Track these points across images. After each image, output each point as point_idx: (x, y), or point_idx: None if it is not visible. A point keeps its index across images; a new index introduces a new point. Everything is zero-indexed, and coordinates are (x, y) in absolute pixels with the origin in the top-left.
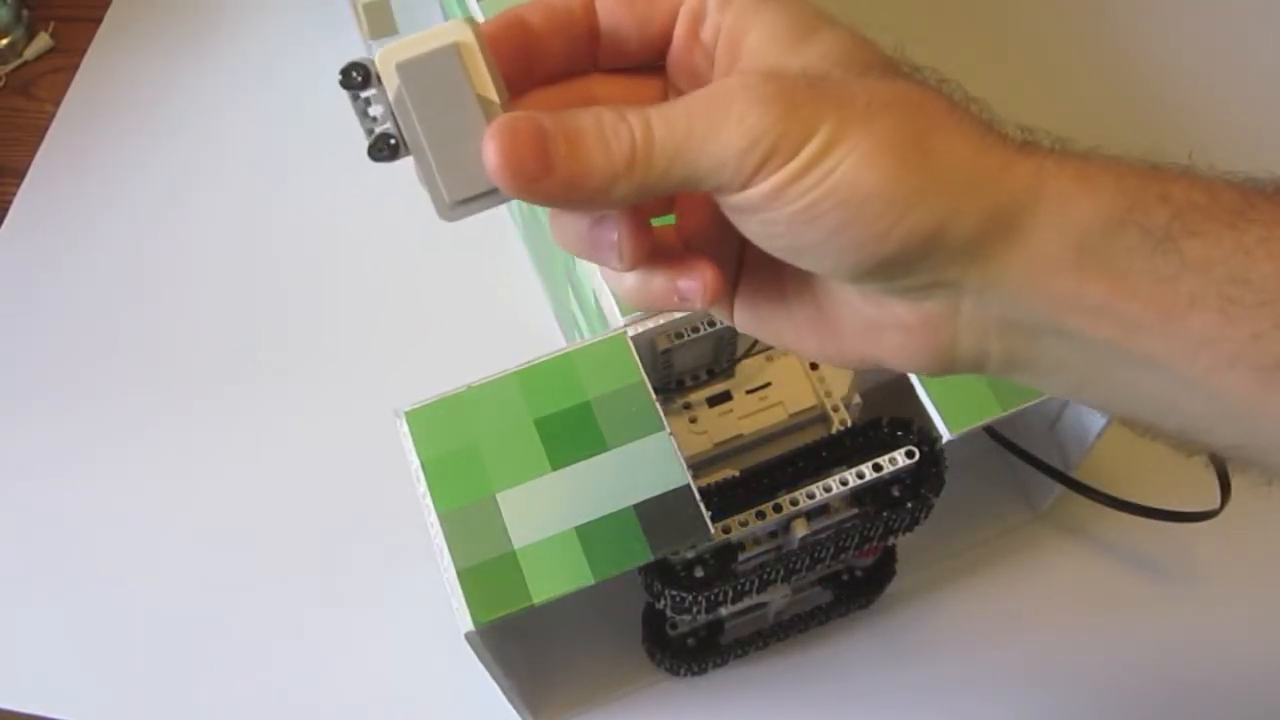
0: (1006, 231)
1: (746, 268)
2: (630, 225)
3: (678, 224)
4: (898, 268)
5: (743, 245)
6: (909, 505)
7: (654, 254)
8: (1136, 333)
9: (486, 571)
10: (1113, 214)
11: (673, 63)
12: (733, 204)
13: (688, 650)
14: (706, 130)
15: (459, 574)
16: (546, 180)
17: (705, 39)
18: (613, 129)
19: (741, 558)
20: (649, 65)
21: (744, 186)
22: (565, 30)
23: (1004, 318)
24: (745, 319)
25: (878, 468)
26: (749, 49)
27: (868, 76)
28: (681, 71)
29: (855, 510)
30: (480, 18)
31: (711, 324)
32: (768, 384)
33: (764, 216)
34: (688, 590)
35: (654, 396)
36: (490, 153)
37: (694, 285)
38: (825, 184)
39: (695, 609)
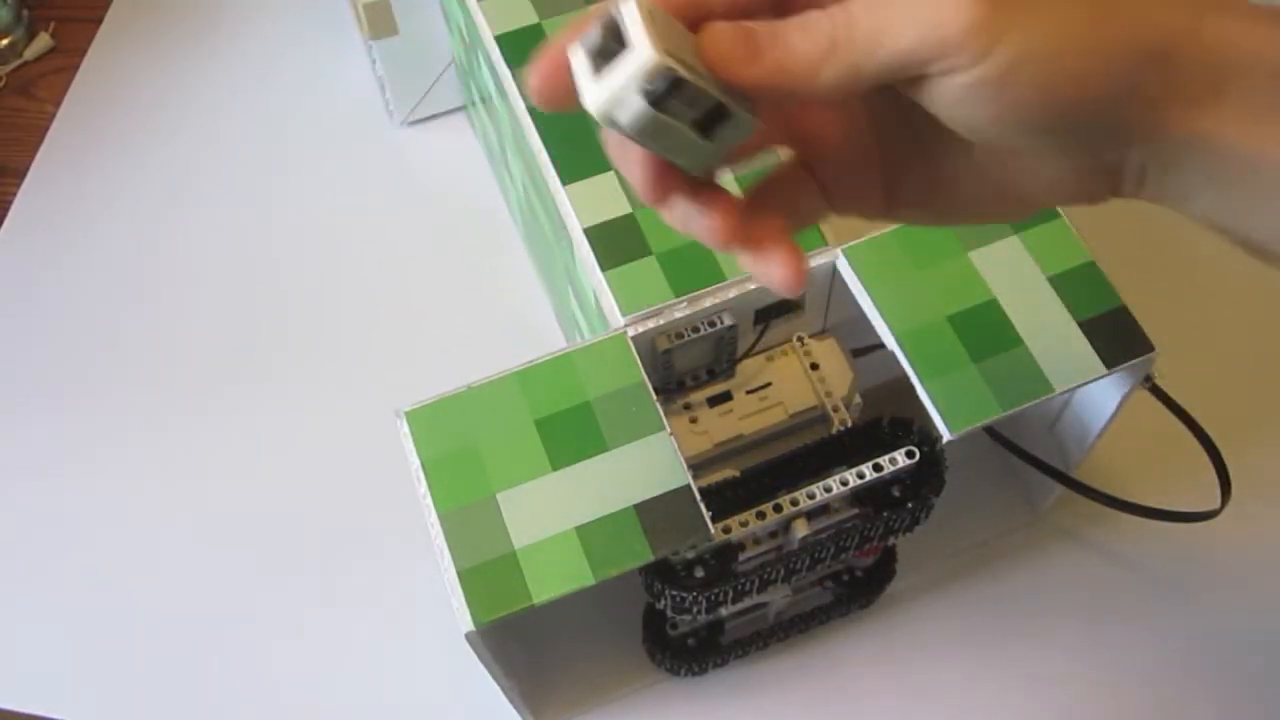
0: (1209, 84)
1: (895, 166)
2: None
3: (803, 150)
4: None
5: (881, 150)
6: (909, 505)
7: (748, 234)
8: None
9: (486, 571)
10: None
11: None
12: (947, 93)
13: (688, 650)
14: (910, 13)
15: (459, 574)
16: (754, 65)
17: None
18: (811, 19)
19: (742, 558)
20: None
21: (956, 57)
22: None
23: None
24: (909, 215)
25: (878, 468)
26: None
27: None
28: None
29: (855, 510)
30: (480, 19)
31: (712, 324)
32: (768, 384)
33: (980, 106)
34: (688, 590)
35: (654, 396)
36: (706, 44)
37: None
38: (1025, 61)
39: (695, 609)
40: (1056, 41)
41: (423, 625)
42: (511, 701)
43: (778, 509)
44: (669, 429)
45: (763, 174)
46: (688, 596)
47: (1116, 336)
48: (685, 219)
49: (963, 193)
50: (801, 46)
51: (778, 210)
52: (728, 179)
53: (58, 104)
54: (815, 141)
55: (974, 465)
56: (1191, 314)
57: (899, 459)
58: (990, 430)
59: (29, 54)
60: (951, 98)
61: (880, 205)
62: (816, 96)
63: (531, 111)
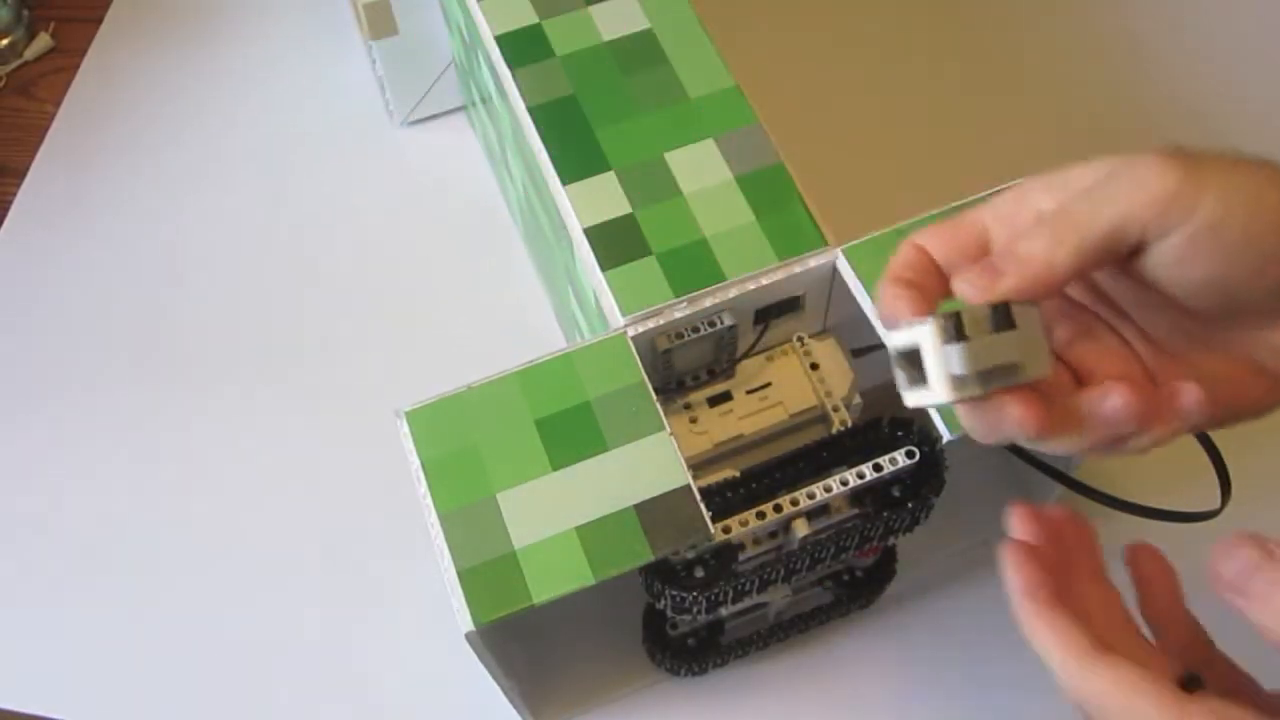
0: None
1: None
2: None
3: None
4: None
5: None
6: (909, 505)
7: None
8: None
9: (486, 571)
10: None
11: None
12: (1154, 256)
13: (688, 650)
14: (1117, 192)
15: (459, 574)
16: (1002, 280)
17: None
18: (1033, 229)
19: (741, 558)
20: None
21: (1163, 224)
22: (929, 275)
23: None
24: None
25: (878, 468)
26: (1035, 201)
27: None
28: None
29: (855, 510)
30: (480, 18)
31: (712, 324)
32: (768, 384)
33: (1181, 263)
34: (688, 590)
35: (654, 396)
36: (957, 285)
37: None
38: (1224, 220)
39: (695, 609)
40: (1254, 189)
41: (423, 625)
42: (511, 701)
43: (778, 509)
44: (669, 429)
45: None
46: (688, 596)
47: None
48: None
49: (1229, 392)
50: (1029, 249)
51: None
52: None
53: (58, 104)
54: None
55: (974, 465)
56: None
57: (899, 459)
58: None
59: (29, 54)
60: (1172, 256)
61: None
62: (1060, 282)
63: (531, 111)
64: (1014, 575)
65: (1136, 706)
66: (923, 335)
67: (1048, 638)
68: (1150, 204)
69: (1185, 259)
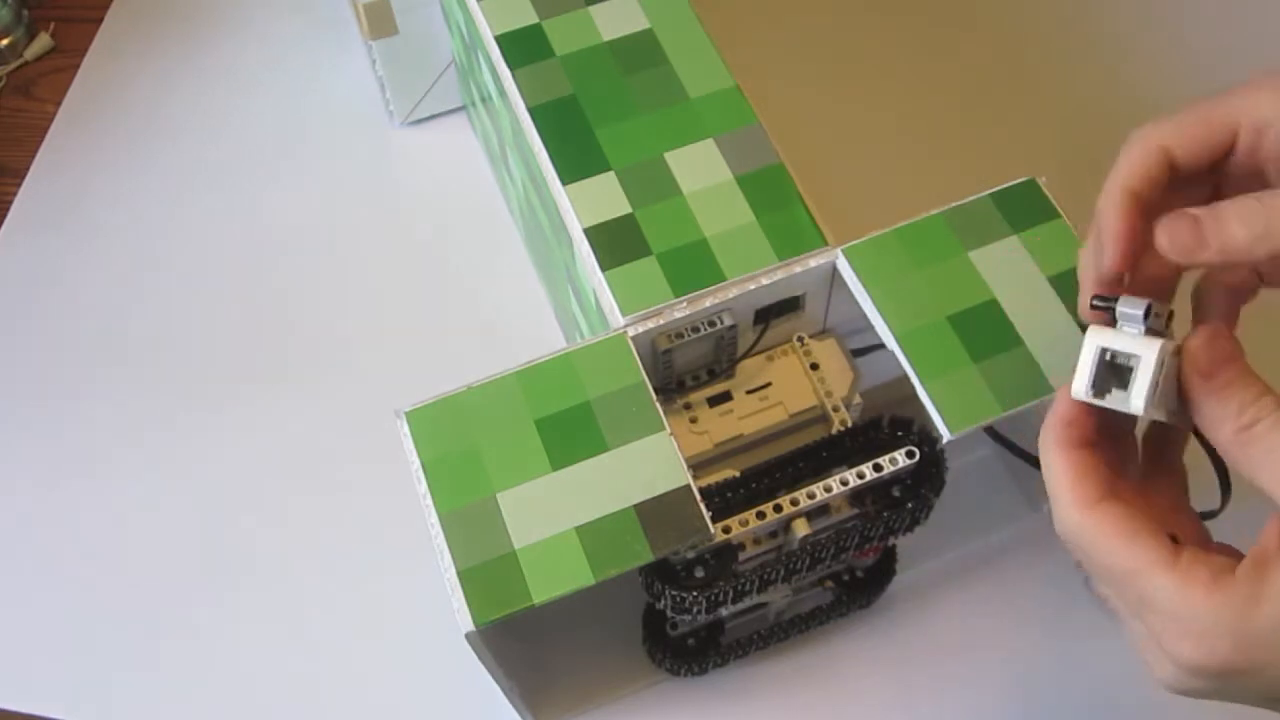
0: None
1: None
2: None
3: None
4: None
5: None
6: (909, 505)
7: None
8: None
9: (486, 571)
10: None
11: (1237, 165)
12: None
13: (688, 650)
14: None
15: (459, 574)
16: (1204, 251)
17: (1268, 144)
18: (1252, 211)
19: (742, 558)
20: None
21: None
22: (1160, 184)
23: None
24: None
25: (878, 468)
26: None
27: None
28: (1246, 169)
29: (856, 510)
30: (480, 19)
31: (712, 324)
32: (768, 384)
33: None
34: (688, 590)
35: (654, 396)
36: (1161, 237)
37: None
38: None
39: (695, 609)
40: None
41: (423, 625)
42: (511, 701)
43: (778, 509)
44: (669, 429)
45: None
46: (688, 596)
47: None
48: None
49: None
50: (1241, 233)
51: None
52: None
53: (58, 104)
54: None
55: (974, 465)
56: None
57: (899, 459)
58: (990, 430)
59: (29, 54)
60: None
61: None
62: (1250, 266)
63: (531, 111)
64: (1060, 405)
65: (1128, 547)
66: (1149, 352)
67: (1063, 472)
68: None
69: None
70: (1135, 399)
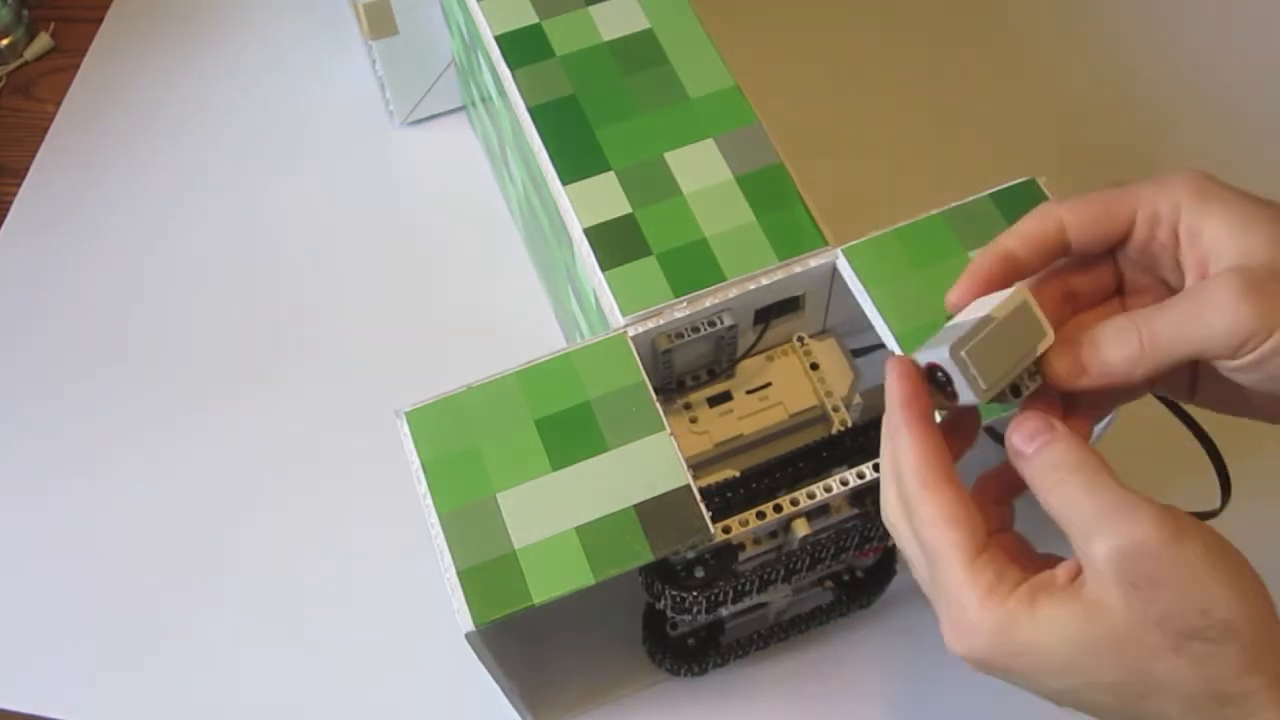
0: None
1: (1202, 385)
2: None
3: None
4: None
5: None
6: None
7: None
8: None
9: (486, 571)
10: None
11: (1133, 251)
12: (1225, 367)
13: (688, 650)
14: (1198, 323)
15: (459, 574)
16: (1085, 378)
17: (1161, 236)
18: (1125, 332)
19: (742, 558)
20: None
21: (1231, 357)
22: (1045, 255)
23: None
24: (1211, 405)
25: (878, 468)
26: (1210, 239)
27: None
28: (1140, 258)
29: (856, 510)
30: (480, 19)
31: (712, 324)
32: (768, 384)
33: (1250, 374)
34: (688, 590)
35: (654, 396)
36: (1045, 371)
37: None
38: None
39: (695, 609)
40: None
41: (423, 625)
42: (511, 701)
43: (778, 509)
44: (669, 429)
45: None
46: (688, 596)
47: None
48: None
49: (1251, 407)
50: (1117, 357)
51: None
52: None
53: (58, 104)
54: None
55: (973, 465)
56: None
57: None
58: (990, 430)
59: (29, 54)
60: (1234, 368)
61: (1185, 398)
62: (1127, 389)
63: (531, 111)
64: (898, 383)
65: (942, 535)
66: (944, 361)
67: (911, 449)
68: (1226, 338)
69: (1256, 377)
70: (967, 396)
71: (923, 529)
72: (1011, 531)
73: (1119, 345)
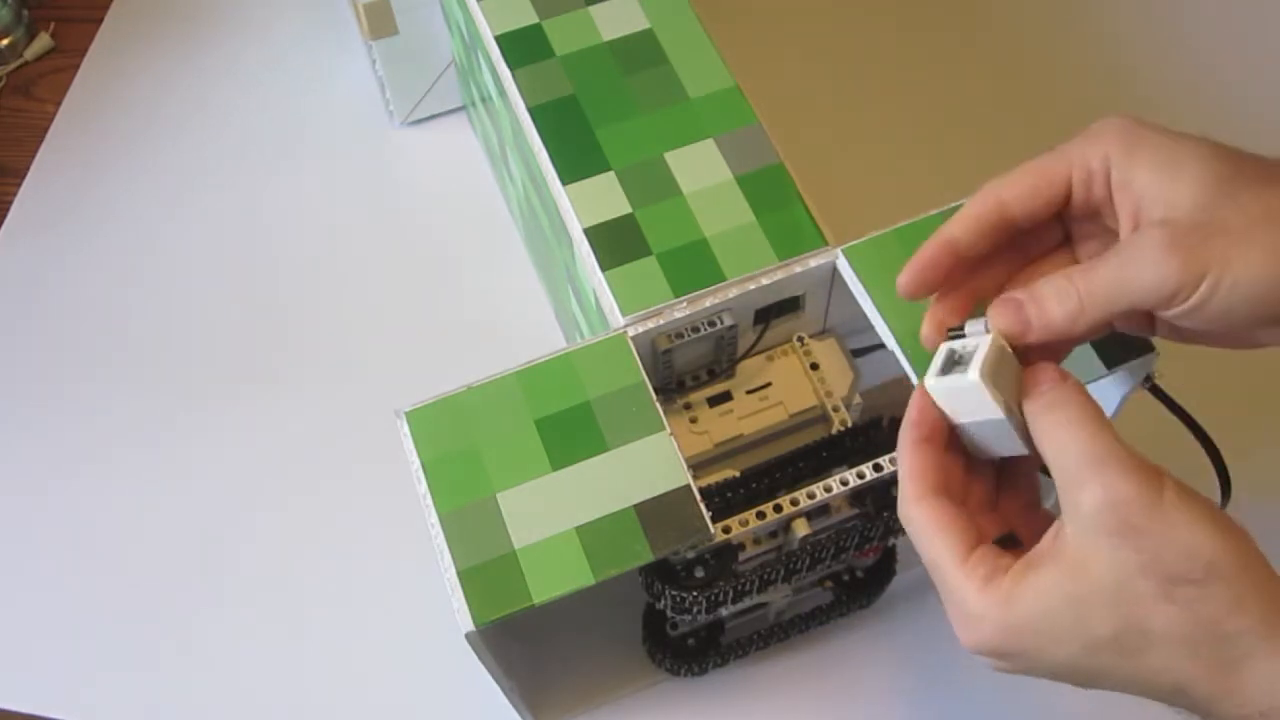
0: None
1: (1159, 322)
2: None
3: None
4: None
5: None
6: None
7: None
8: None
9: (486, 571)
10: None
11: (1075, 209)
12: (1164, 315)
13: (688, 650)
14: (1129, 279)
15: (459, 574)
16: (1031, 334)
17: (1096, 191)
18: (1064, 291)
19: (742, 558)
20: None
21: (1166, 308)
22: (990, 235)
23: None
24: (1173, 338)
25: (878, 468)
26: (1139, 187)
27: (1240, 194)
28: (1082, 212)
29: (856, 510)
30: (480, 19)
31: (712, 324)
32: (768, 384)
33: (1190, 320)
34: (688, 590)
35: (654, 396)
36: (992, 320)
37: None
38: (1220, 302)
39: (696, 609)
40: (1247, 270)
41: (423, 625)
42: (511, 701)
43: (778, 509)
44: (669, 429)
45: None
46: (688, 596)
47: (1117, 337)
48: None
49: (1211, 339)
50: (1058, 313)
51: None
52: None
53: (58, 104)
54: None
55: None
56: None
57: None
58: None
59: (29, 54)
60: (1172, 317)
61: (1147, 334)
62: (1075, 339)
63: (531, 111)
64: (912, 408)
65: (935, 540)
66: (985, 339)
67: (909, 467)
68: (1157, 292)
69: (1196, 321)
70: (971, 371)
71: (918, 541)
72: (1044, 519)
73: (1060, 303)
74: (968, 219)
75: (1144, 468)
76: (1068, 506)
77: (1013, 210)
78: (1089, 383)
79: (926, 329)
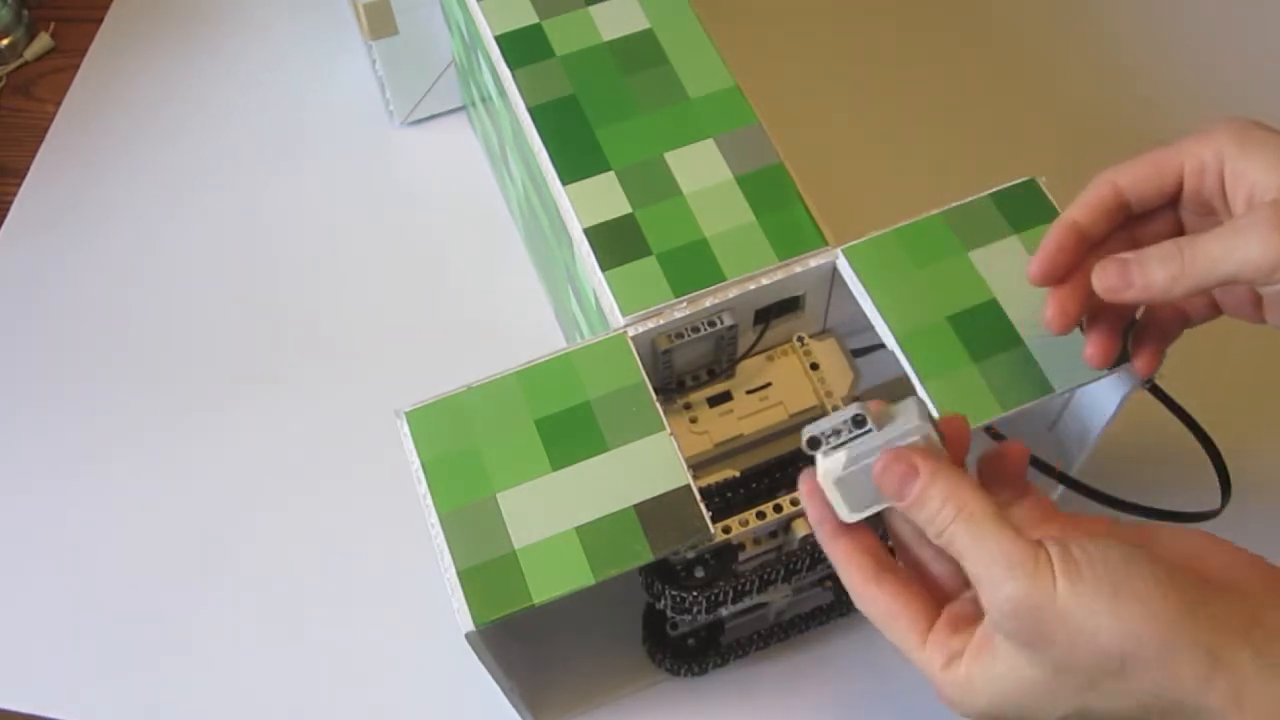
0: None
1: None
2: None
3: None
4: None
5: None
6: None
7: None
8: None
9: (486, 571)
10: None
11: (1188, 200)
12: (1264, 291)
13: (688, 650)
14: (1234, 249)
15: (459, 574)
16: (1131, 291)
17: (1209, 183)
18: (1169, 253)
19: (742, 558)
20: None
21: (1267, 282)
22: (1107, 218)
23: None
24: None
25: None
26: (1253, 177)
27: None
28: (1194, 205)
29: None
30: (480, 19)
31: (712, 324)
32: (768, 384)
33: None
34: (688, 590)
35: (654, 396)
36: (1094, 279)
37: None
38: None
39: (695, 609)
40: None
41: (423, 625)
42: (511, 701)
43: (778, 509)
44: (669, 429)
45: None
46: (688, 596)
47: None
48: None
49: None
50: (1160, 274)
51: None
52: None
53: (58, 104)
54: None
55: (974, 465)
56: None
57: None
58: (990, 430)
59: (29, 54)
60: (1270, 292)
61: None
62: (1172, 300)
63: (531, 111)
64: (807, 504)
65: (892, 628)
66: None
67: (837, 562)
68: (1259, 264)
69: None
70: (833, 463)
71: (877, 624)
72: (1067, 520)
73: (1163, 263)
74: (1086, 204)
75: (1031, 562)
76: (982, 601)
77: (1127, 195)
78: (1089, 384)
79: (1051, 312)
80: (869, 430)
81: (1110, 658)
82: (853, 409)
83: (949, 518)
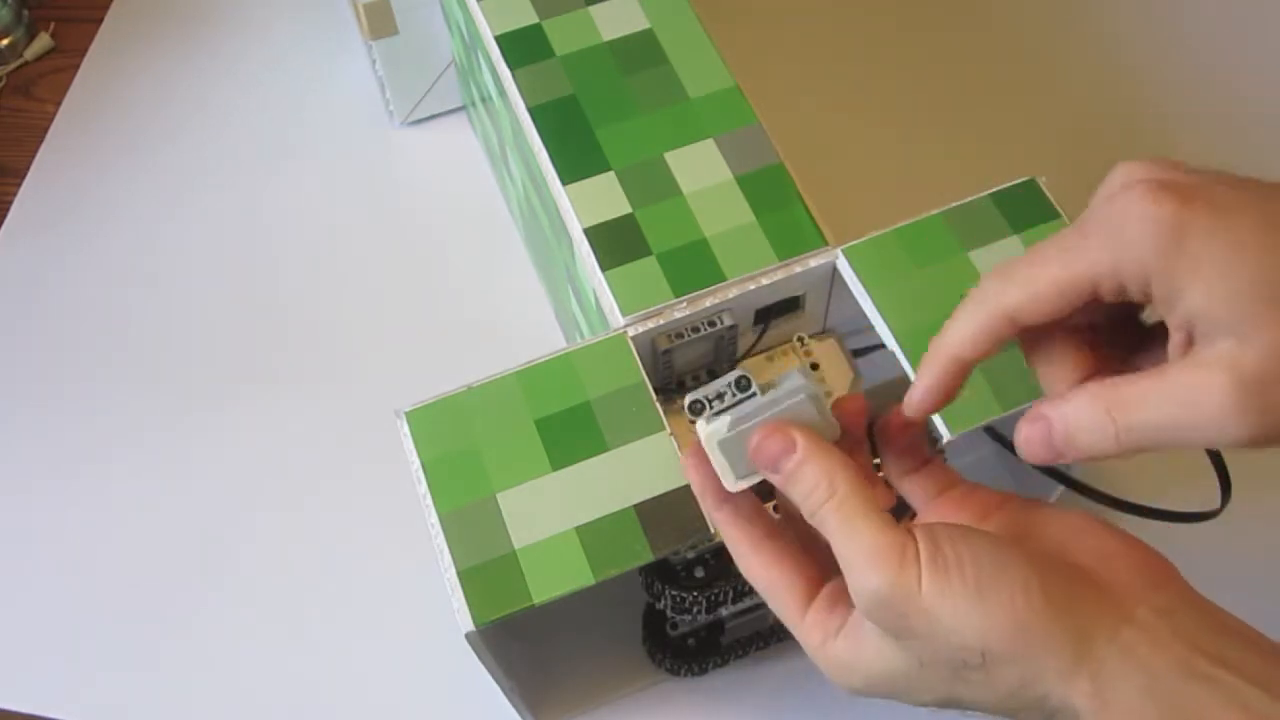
0: None
1: None
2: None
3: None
4: None
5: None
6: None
7: None
8: None
9: (486, 571)
10: None
11: (1112, 309)
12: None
13: (688, 650)
14: (1186, 427)
15: (459, 574)
16: (1059, 460)
17: (1135, 298)
18: (1097, 425)
19: None
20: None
21: (1202, 432)
22: (1000, 346)
23: None
24: None
25: (878, 467)
26: (1191, 310)
27: None
28: (1123, 307)
29: None
30: (480, 19)
31: (712, 324)
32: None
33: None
34: (688, 590)
35: (654, 396)
36: (1019, 443)
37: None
38: None
39: (695, 609)
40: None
41: (423, 625)
42: (511, 701)
43: (777, 510)
44: (669, 429)
45: None
46: (688, 596)
47: None
48: None
49: None
50: (1090, 442)
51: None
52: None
53: (58, 104)
54: None
55: (974, 465)
56: None
57: None
58: (990, 430)
59: (29, 54)
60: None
61: None
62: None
63: (531, 111)
64: (693, 476)
65: (773, 599)
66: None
67: (722, 530)
68: (1219, 442)
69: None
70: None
71: (760, 594)
72: (974, 490)
73: (1091, 434)
74: (973, 337)
75: (895, 551)
76: (849, 587)
77: (1024, 321)
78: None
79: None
80: (753, 393)
81: (973, 653)
82: (736, 372)
83: (820, 499)
